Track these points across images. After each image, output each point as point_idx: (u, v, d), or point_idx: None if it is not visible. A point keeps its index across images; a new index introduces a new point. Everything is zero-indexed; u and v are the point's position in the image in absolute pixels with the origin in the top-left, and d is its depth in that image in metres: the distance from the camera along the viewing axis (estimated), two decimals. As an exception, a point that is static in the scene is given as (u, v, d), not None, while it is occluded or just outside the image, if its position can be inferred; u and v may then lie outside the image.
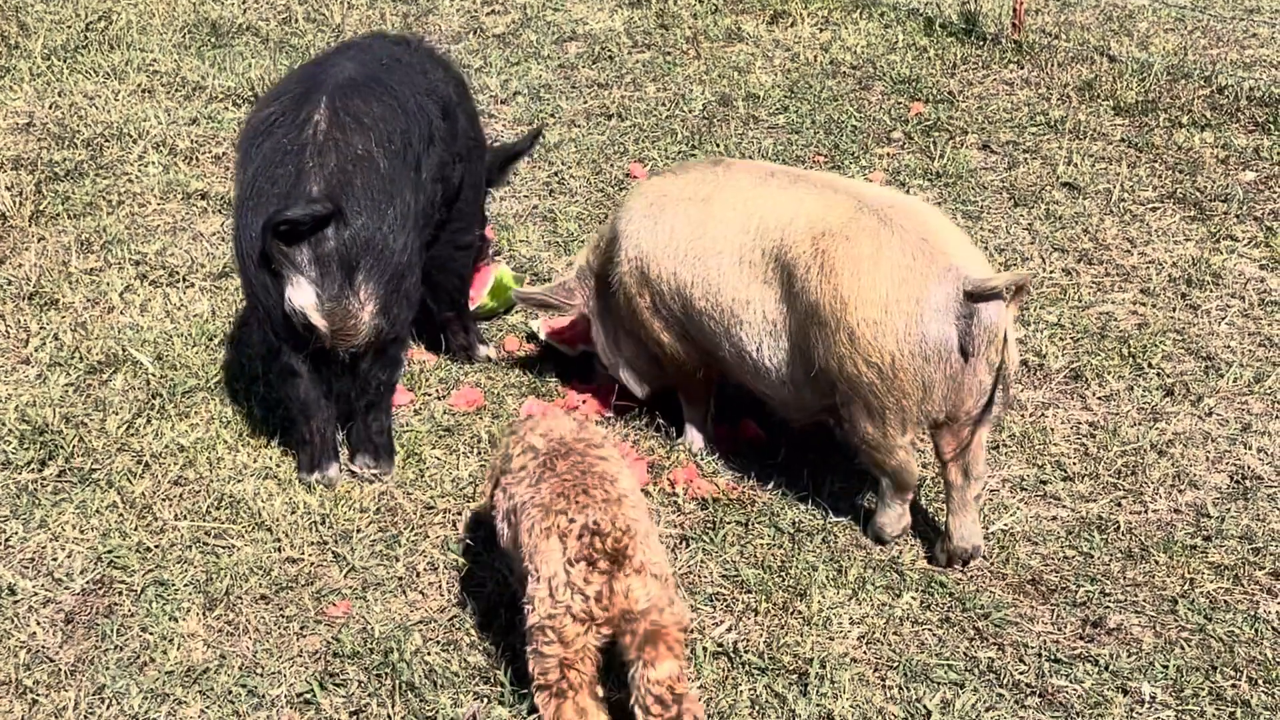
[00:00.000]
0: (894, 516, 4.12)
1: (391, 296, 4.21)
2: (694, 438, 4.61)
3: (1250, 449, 4.58)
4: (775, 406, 4.37)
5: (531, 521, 3.33)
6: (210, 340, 5.12)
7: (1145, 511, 4.32)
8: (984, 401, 3.87)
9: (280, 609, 3.93)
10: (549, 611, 3.22)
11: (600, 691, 3.32)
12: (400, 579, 4.04)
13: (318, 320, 4.10)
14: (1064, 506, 4.34)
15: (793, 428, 4.67)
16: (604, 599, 3.20)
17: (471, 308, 5.17)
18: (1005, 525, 4.23)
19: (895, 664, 3.72)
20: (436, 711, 3.54)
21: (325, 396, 4.35)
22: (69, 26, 8.01)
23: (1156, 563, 4.09)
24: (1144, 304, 5.38)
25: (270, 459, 4.50)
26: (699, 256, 4.23)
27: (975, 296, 3.75)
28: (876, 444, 3.97)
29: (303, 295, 4.08)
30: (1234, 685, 3.65)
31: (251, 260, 4.14)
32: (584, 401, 4.77)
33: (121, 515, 4.26)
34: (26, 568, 4.08)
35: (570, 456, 3.48)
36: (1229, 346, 5.11)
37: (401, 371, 4.61)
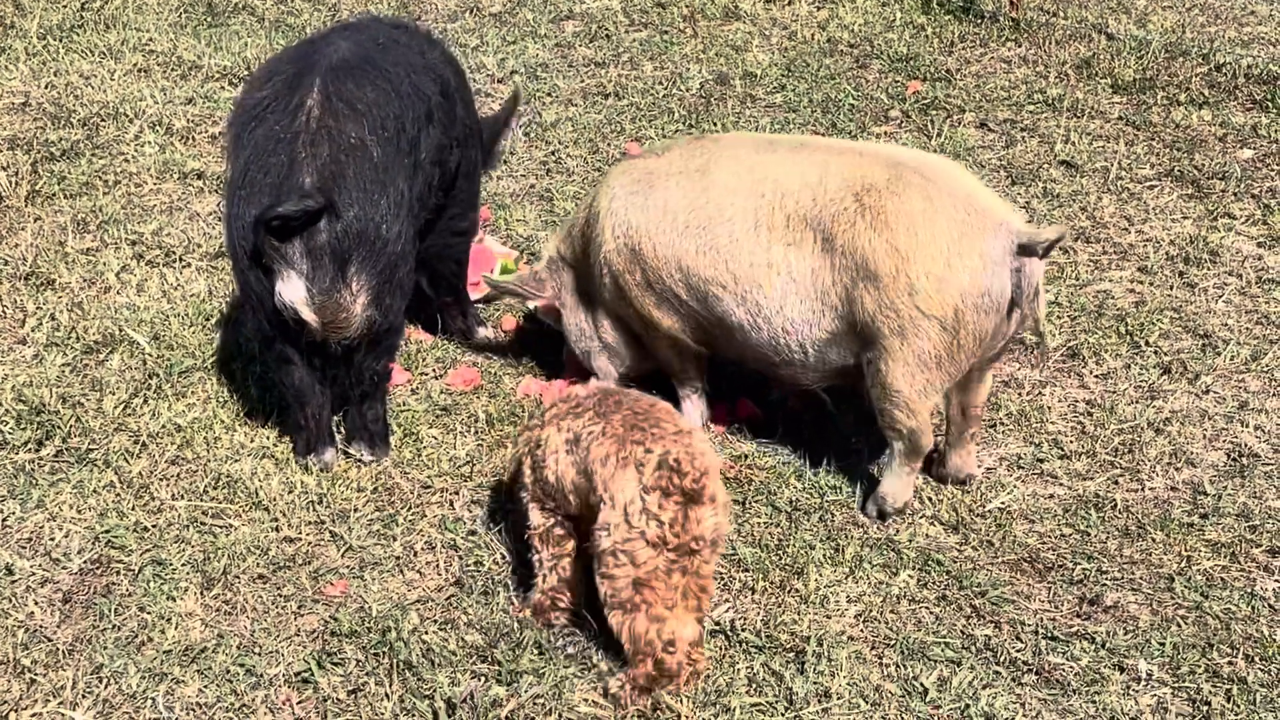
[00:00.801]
0: (901, 486, 4.11)
1: (384, 287, 4.17)
2: (692, 416, 4.60)
3: (1247, 427, 4.58)
4: (781, 374, 4.32)
5: (605, 451, 3.44)
6: (207, 320, 5.12)
7: (1142, 489, 4.33)
8: (1001, 346, 4.00)
9: (278, 588, 3.93)
10: (625, 536, 3.36)
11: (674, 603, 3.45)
12: (398, 558, 4.04)
13: (308, 315, 4.07)
14: (1061, 485, 4.34)
15: (789, 407, 4.67)
16: (677, 525, 3.35)
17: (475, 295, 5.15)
18: (1002, 503, 4.24)
19: (892, 642, 3.72)
20: (434, 690, 3.55)
21: (320, 382, 4.33)
22: (64, 6, 7.98)
23: (1153, 540, 4.09)
24: (1141, 282, 5.38)
25: (267, 439, 4.50)
26: (703, 226, 4.19)
27: (1026, 250, 3.82)
28: (904, 401, 3.98)
29: (293, 290, 4.04)
30: (1230, 663, 3.66)
31: (243, 251, 4.10)
32: (572, 380, 4.76)
33: (119, 495, 4.26)
34: (24, 547, 4.08)
35: (630, 393, 3.66)
36: (1226, 324, 5.11)
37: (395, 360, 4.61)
